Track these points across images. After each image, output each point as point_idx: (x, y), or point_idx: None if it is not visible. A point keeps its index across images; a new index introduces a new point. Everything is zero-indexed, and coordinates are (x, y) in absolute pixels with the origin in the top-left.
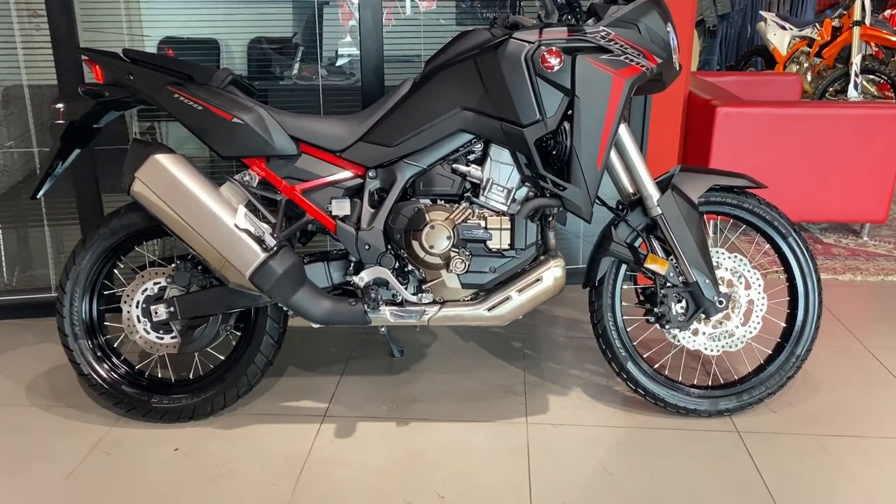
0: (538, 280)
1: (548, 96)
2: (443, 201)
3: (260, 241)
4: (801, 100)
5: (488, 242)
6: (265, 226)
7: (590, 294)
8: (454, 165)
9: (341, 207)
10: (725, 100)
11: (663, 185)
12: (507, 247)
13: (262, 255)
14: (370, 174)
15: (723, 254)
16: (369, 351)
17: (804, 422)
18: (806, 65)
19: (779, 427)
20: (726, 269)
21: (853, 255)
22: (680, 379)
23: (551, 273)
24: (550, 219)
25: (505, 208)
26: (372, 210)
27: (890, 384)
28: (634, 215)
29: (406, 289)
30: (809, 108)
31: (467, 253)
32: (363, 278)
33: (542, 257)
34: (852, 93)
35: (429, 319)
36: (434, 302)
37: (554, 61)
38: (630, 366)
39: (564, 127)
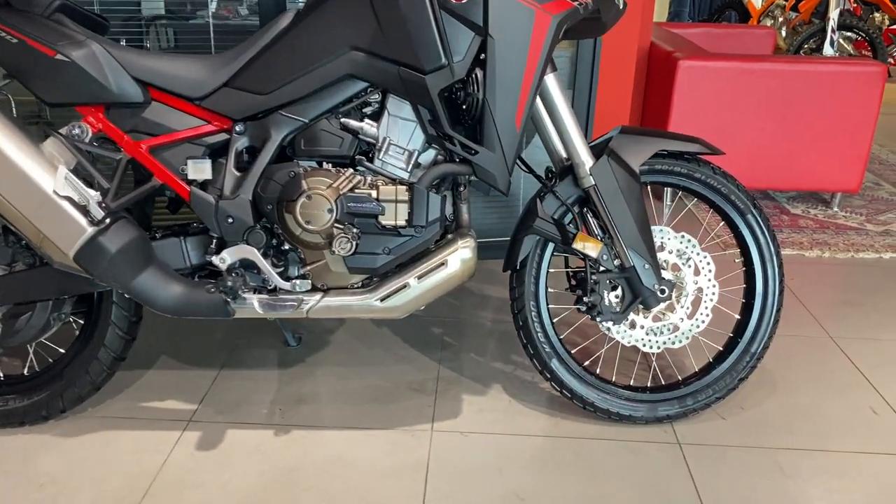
0: (442, 264)
1: (455, 35)
2: (330, 165)
3: (86, 211)
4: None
5: (381, 217)
6: (93, 193)
7: (511, 278)
8: (344, 120)
9: (199, 170)
10: (689, 52)
11: (599, 151)
12: (403, 223)
13: (89, 230)
14: (237, 129)
15: (668, 233)
16: (260, 339)
17: (757, 431)
18: (781, 19)
19: (727, 437)
20: (671, 251)
21: (822, 228)
22: (614, 379)
23: (458, 256)
24: (462, 189)
25: (406, 175)
26: (238, 174)
27: (858, 383)
28: (564, 186)
29: (284, 272)
30: (780, 63)
31: (355, 230)
32: (225, 259)
33: (449, 236)
34: (828, 50)
35: (308, 311)
36: (316, 289)
37: None
38: (555, 364)
39: (476, 75)
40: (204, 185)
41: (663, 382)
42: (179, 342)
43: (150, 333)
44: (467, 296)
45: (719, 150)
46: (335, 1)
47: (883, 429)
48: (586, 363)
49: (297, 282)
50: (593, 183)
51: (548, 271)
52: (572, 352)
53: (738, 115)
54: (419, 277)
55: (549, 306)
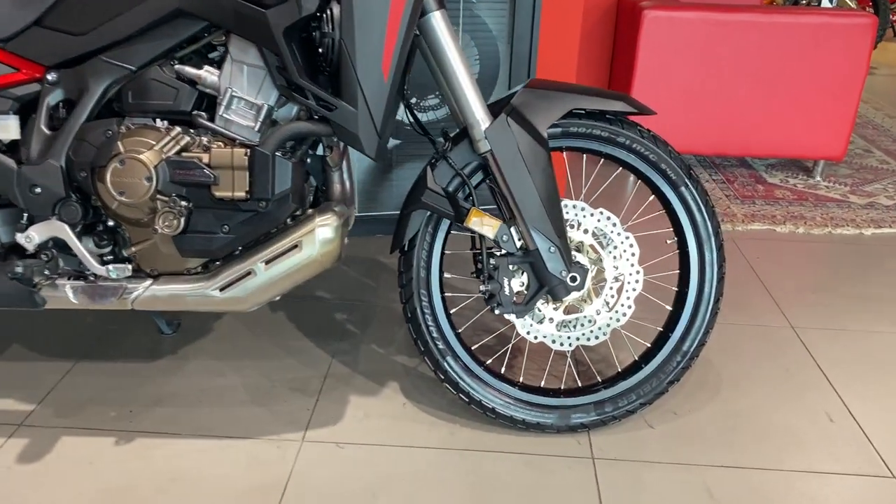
0: (294, 247)
1: None
2: (167, 123)
3: None
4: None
5: (214, 188)
6: None
7: (399, 262)
8: (179, 67)
9: (7, 127)
10: (657, 1)
11: (499, 110)
12: (243, 195)
13: None
14: (50, 78)
15: (583, 210)
16: (136, 324)
17: (689, 444)
18: None
19: (651, 451)
20: (587, 231)
21: (800, 200)
22: (521, 380)
23: (315, 236)
24: (329, 154)
25: (255, 136)
26: (49, 133)
27: (816, 384)
28: (459, 151)
29: (110, 254)
30: (758, 14)
31: (183, 203)
32: (31, 237)
33: (310, 211)
34: (826, 2)
35: (133, 301)
36: (145, 275)
37: None
38: (449, 363)
39: (332, 11)
40: (13, 147)
41: (579, 384)
42: (37, 327)
43: (5, 316)
44: (385, 274)
45: (648, 109)
46: None
47: (838, 441)
48: (489, 361)
49: (114, 267)
50: (489, 148)
51: (442, 253)
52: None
53: (711, 73)
54: (267, 262)
55: (445, 295)
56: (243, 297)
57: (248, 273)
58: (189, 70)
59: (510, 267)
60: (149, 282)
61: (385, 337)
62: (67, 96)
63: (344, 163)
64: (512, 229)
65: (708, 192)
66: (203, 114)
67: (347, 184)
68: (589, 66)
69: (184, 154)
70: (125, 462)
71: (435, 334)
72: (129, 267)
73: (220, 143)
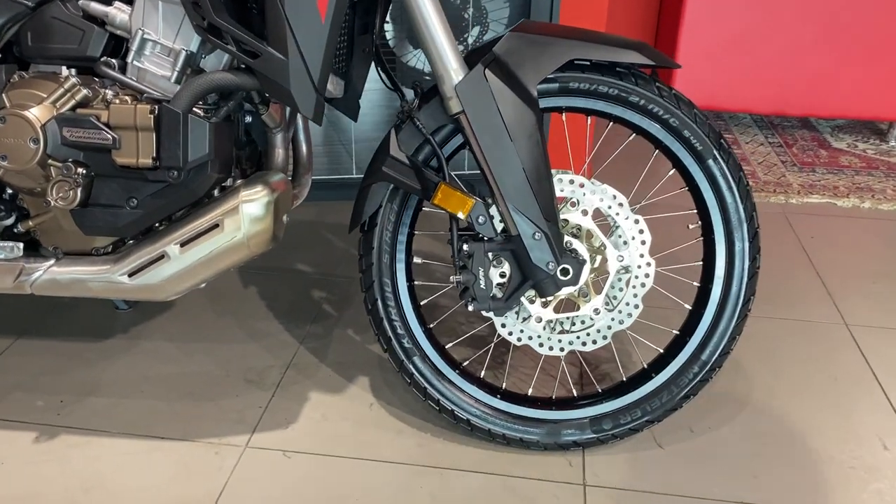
0: (215, 227)
1: None
2: (74, 72)
3: None
4: None
5: (115, 153)
6: None
7: (359, 244)
8: (84, 3)
9: None
10: None
11: (478, 59)
12: (149, 162)
13: None
14: None
15: (582, 186)
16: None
17: (704, 471)
18: None
19: (657, 479)
20: (586, 211)
21: (868, 168)
22: (504, 386)
23: (239, 215)
24: (266, 111)
25: (173, 89)
26: None
27: (870, 397)
28: (430, 111)
29: (11, 227)
30: None
31: (82, 171)
32: None
33: (239, 182)
34: None
35: (31, 285)
36: (48, 254)
37: None
38: (416, 364)
39: None
40: None
41: (575, 394)
42: None
43: None
44: None
45: (669, 61)
46: None
47: (892, 476)
48: (465, 363)
49: (7, 244)
50: (461, 109)
51: (410, 234)
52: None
53: (769, 20)
54: (182, 245)
55: (414, 283)
56: (156, 284)
57: (161, 257)
58: (96, 6)
59: (488, 255)
60: (50, 262)
61: (363, 321)
62: None
63: (300, 120)
64: (491, 210)
65: (757, 158)
66: (112, 61)
67: (304, 148)
68: (628, 13)
69: (79, 111)
70: (39, 464)
71: (399, 330)
72: (20, 246)
73: (128, 97)
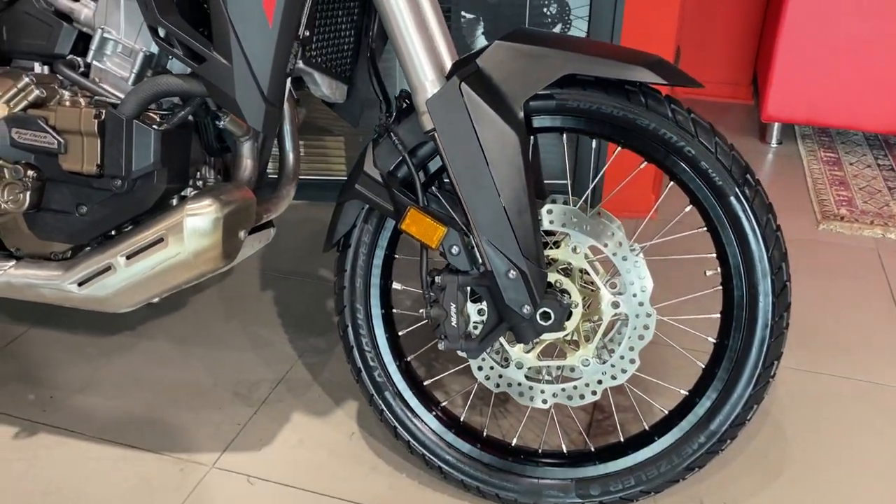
0: (159, 241)
1: None
2: (46, 69)
3: None
4: None
5: (61, 158)
6: None
7: (336, 263)
8: None
9: None
10: None
11: (456, 71)
12: (94, 169)
13: None
14: None
15: (576, 218)
16: None
17: None
18: None
19: None
20: (576, 248)
21: None
22: (486, 431)
23: (183, 230)
24: (225, 119)
25: (128, 87)
26: None
27: None
28: (408, 126)
29: None
30: None
31: (32, 173)
32: None
33: (189, 192)
34: None
35: None
36: (8, 256)
37: None
38: (387, 400)
39: None
40: None
41: (564, 450)
42: None
43: None
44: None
45: (687, 78)
46: None
47: None
48: (444, 403)
49: None
50: (432, 126)
51: (389, 257)
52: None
53: (884, 26)
54: (128, 257)
55: (391, 311)
56: (105, 296)
57: (108, 268)
58: (63, 2)
59: (463, 289)
60: (10, 263)
61: None
62: None
63: (288, 127)
64: (469, 239)
65: (859, 183)
66: (77, 60)
67: (290, 156)
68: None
69: (30, 111)
70: (10, 462)
71: (371, 361)
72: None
73: (82, 100)
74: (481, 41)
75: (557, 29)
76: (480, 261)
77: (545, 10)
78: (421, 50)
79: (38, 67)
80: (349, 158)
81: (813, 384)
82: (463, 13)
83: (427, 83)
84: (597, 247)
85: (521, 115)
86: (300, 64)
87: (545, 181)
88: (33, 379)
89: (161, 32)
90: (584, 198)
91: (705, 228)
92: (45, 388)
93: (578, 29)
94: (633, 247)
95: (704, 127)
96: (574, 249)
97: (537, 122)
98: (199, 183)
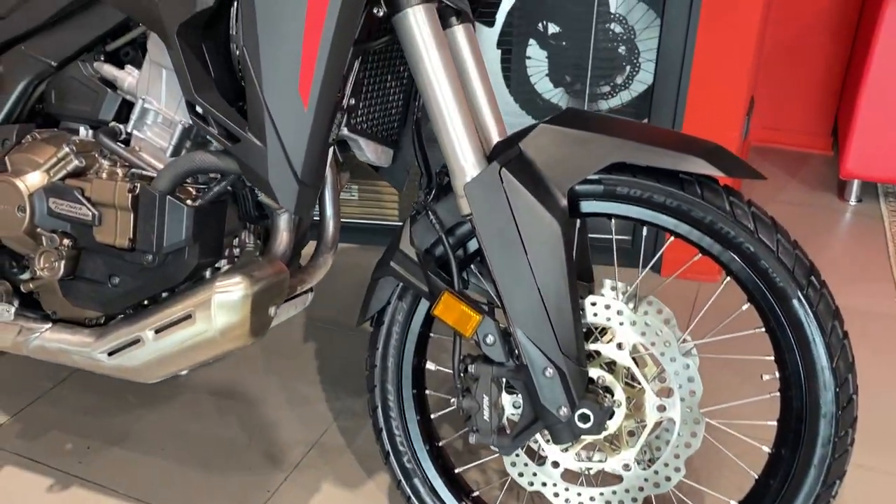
0: (188, 317)
1: None
2: (89, 133)
3: None
4: None
5: (95, 230)
6: None
7: (370, 339)
8: (97, 65)
9: None
10: None
11: (498, 153)
12: (126, 243)
13: None
14: None
15: (621, 314)
16: None
17: None
18: None
19: None
20: (622, 345)
21: None
22: None
23: (212, 307)
24: (260, 195)
25: (166, 159)
26: None
27: None
28: (448, 204)
29: (14, 285)
30: None
31: (68, 242)
32: None
33: (223, 267)
34: None
35: (26, 346)
36: (45, 317)
37: None
38: (415, 487)
39: (239, 9)
40: None
41: None
42: None
43: None
44: None
45: (750, 170)
46: None
47: None
48: (477, 493)
49: (1, 303)
50: (469, 212)
51: (424, 335)
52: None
53: None
54: (157, 332)
55: (424, 392)
56: (134, 367)
57: (137, 340)
58: (109, 69)
59: (497, 381)
60: (46, 326)
61: None
62: None
63: (329, 192)
64: (498, 329)
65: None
66: (119, 127)
67: (329, 223)
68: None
69: (68, 181)
70: None
71: (400, 445)
72: (10, 310)
73: (120, 171)
74: (544, 84)
75: (626, 72)
76: (517, 352)
77: (611, 48)
78: (461, 132)
79: (83, 131)
80: (402, 204)
81: (885, 487)
82: (527, 54)
83: (466, 166)
84: (642, 345)
85: (566, 202)
86: (345, 131)
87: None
88: (72, 426)
89: (198, 108)
90: (633, 287)
91: (763, 329)
92: (82, 437)
93: (646, 71)
94: (683, 346)
95: (765, 222)
96: (619, 346)
97: (584, 206)
98: (237, 250)
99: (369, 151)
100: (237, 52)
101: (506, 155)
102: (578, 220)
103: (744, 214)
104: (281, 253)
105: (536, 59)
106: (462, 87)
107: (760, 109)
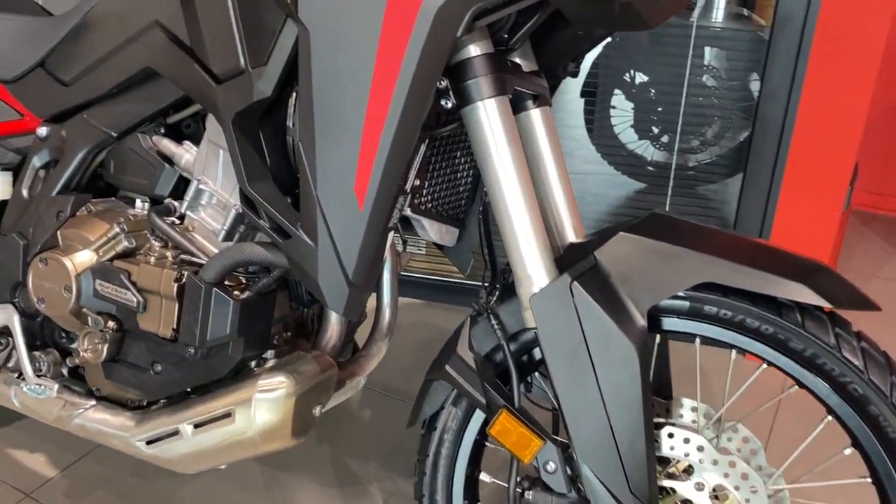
0: (226, 416)
1: (259, 18)
2: (146, 206)
3: None
4: None
5: (140, 316)
6: None
7: (420, 444)
8: (156, 139)
9: None
10: None
11: (571, 260)
12: (169, 333)
13: None
14: (40, 132)
15: (700, 449)
16: None
17: None
18: None
19: None
20: (701, 485)
21: None
22: None
23: (251, 408)
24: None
25: (221, 246)
26: (27, 199)
27: None
28: (511, 308)
29: (63, 359)
30: None
31: (113, 325)
32: None
33: (269, 362)
34: None
35: (69, 423)
36: (88, 393)
37: None
38: None
39: (297, 100)
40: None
41: None
42: None
43: None
44: None
45: (866, 302)
46: None
47: None
48: None
49: (39, 383)
50: (534, 325)
51: (479, 444)
52: None
53: None
54: (196, 426)
55: None
56: (171, 459)
57: (176, 433)
58: (167, 144)
59: None
60: (90, 403)
61: None
62: (54, 157)
63: (388, 276)
64: (560, 456)
65: None
66: (172, 204)
67: (386, 311)
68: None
69: (117, 262)
70: None
71: None
72: (53, 388)
73: (169, 254)
74: (628, 134)
75: (717, 127)
76: (579, 484)
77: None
78: (530, 237)
79: (139, 203)
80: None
81: None
82: (612, 104)
83: (533, 275)
84: (725, 486)
85: (644, 323)
86: (408, 212)
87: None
88: (117, 488)
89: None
90: (717, 414)
91: (870, 480)
92: (127, 500)
93: (741, 128)
94: (771, 491)
95: (878, 360)
96: (698, 486)
97: (666, 323)
98: (288, 334)
99: (433, 232)
100: (293, 144)
101: (579, 266)
102: (658, 336)
103: (852, 350)
104: (330, 347)
105: (621, 108)
106: (534, 179)
107: (862, 172)
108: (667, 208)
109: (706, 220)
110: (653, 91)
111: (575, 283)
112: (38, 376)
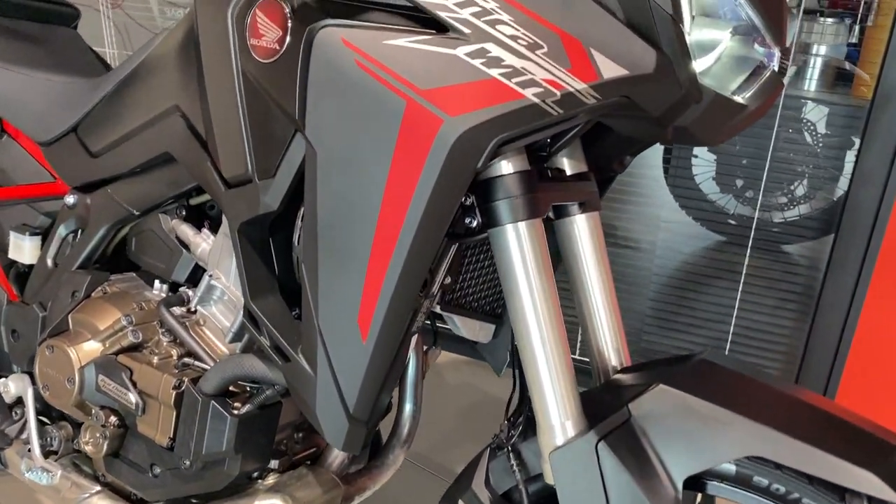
0: None
1: (269, 129)
2: (165, 288)
3: None
4: None
5: (138, 419)
6: None
7: None
8: (175, 222)
9: (18, 248)
10: None
11: (600, 411)
12: (166, 441)
13: None
14: (69, 200)
15: None
16: None
17: None
18: None
19: None
20: None
21: None
22: None
23: None
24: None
25: (228, 347)
26: (51, 268)
27: None
28: (533, 446)
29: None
30: None
31: (115, 420)
32: (8, 387)
33: (271, 478)
34: None
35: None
36: (95, 477)
37: (270, 33)
38: None
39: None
40: (26, 272)
41: None
42: None
43: None
44: None
45: None
46: (185, 21)
47: None
48: None
49: (41, 467)
50: (552, 482)
51: None
52: None
53: None
54: None
55: None
56: None
57: None
58: (186, 230)
59: None
60: (93, 490)
61: None
62: (79, 226)
63: (411, 377)
64: None
65: None
66: (185, 294)
67: (407, 409)
68: None
69: (120, 358)
70: None
71: None
72: (56, 474)
73: (174, 353)
74: (709, 186)
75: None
76: None
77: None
78: (555, 381)
79: (158, 284)
80: None
81: None
82: (694, 152)
83: (556, 425)
84: None
85: (679, 495)
86: (437, 309)
87: None
88: None
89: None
90: None
91: None
92: None
93: (836, 187)
94: None
95: None
96: None
97: (709, 487)
98: (299, 435)
99: (465, 329)
100: (297, 262)
101: (609, 421)
102: (699, 496)
103: None
104: (336, 465)
105: (703, 158)
106: (576, 293)
107: None
108: (744, 267)
109: (789, 284)
110: (738, 143)
111: (602, 442)
112: (48, 453)
